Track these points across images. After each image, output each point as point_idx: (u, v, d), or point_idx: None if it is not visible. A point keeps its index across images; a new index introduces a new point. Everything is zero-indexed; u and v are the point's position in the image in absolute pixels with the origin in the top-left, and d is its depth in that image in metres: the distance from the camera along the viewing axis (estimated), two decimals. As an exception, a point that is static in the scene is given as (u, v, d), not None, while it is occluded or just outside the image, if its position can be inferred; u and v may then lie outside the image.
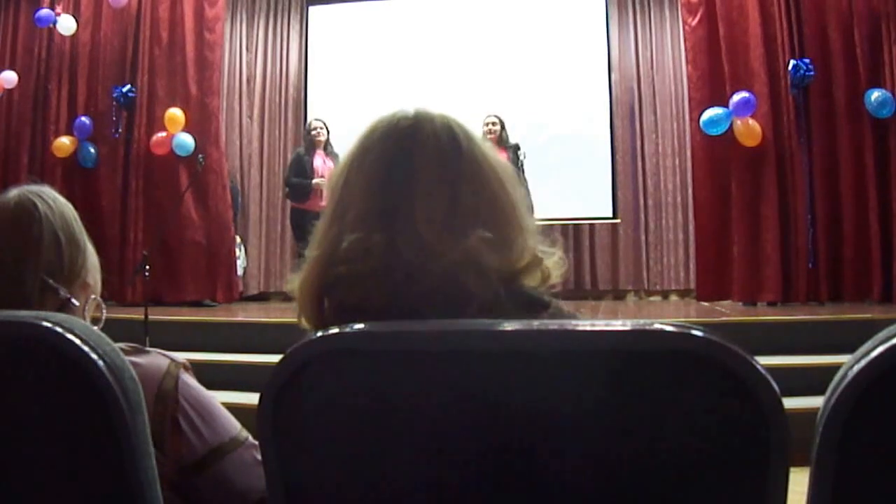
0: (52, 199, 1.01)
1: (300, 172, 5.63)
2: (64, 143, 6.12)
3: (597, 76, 6.92)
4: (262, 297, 7.25)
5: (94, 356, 0.72)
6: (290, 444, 0.67)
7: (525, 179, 5.45)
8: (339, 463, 0.67)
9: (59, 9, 6.24)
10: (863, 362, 0.57)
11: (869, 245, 5.18)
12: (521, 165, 5.37)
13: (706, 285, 5.65)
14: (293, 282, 0.87)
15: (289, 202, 6.06)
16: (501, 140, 5.63)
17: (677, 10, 6.47)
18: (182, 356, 0.99)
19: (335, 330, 0.65)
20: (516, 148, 5.56)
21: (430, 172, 0.83)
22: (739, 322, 4.52)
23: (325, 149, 5.72)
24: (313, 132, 5.74)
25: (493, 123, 5.66)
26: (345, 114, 6.71)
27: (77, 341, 0.72)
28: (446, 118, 0.90)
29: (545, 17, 7.05)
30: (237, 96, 7.52)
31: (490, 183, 0.84)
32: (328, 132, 5.77)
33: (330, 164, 5.70)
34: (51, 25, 6.20)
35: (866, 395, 0.57)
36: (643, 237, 7.08)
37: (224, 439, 0.96)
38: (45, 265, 0.97)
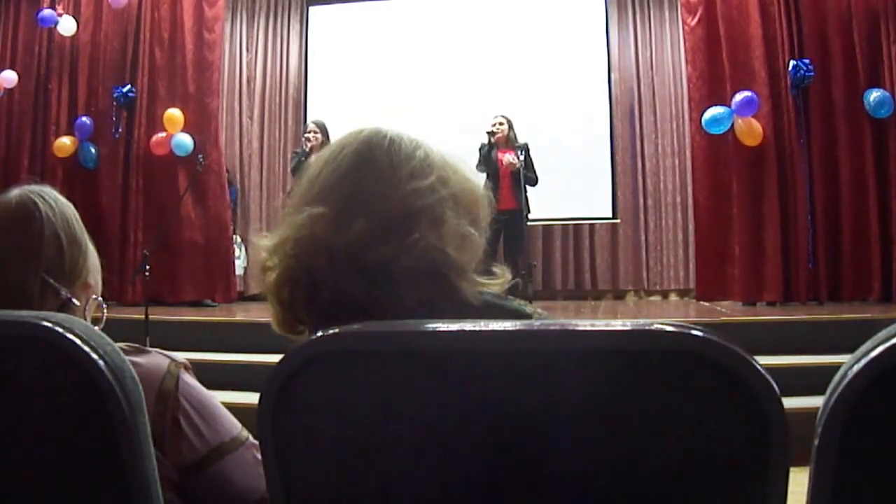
0: (53, 200, 1.01)
1: (298, 169, 5.66)
2: (65, 143, 6.13)
3: (596, 76, 6.92)
4: (262, 297, 7.22)
5: (94, 356, 0.72)
6: (290, 444, 0.67)
7: (529, 176, 5.47)
8: (339, 463, 0.67)
9: (59, 9, 6.24)
10: (862, 362, 0.57)
11: (868, 245, 5.19)
12: (520, 164, 5.37)
13: (706, 285, 5.66)
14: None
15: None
16: (509, 140, 5.64)
17: (677, 10, 6.47)
18: (182, 356, 0.99)
19: (335, 330, 0.65)
20: (525, 148, 5.57)
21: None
22: (739, 322, 4.52)
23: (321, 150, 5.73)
24: (304, 137, 5.76)
25: (501, 124, 5.67)
26: (345, 114, 6.72)
27: (78, 341, 0.72)
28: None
29: (545, 17, 7.05)
30: (237, 96, 7.52)
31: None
32: (326, 135, 5.75)
33: None
34: (52, 26, 6.21)
35: (866, 394, 0.57)
36: (643, 237, 7.08)
37: (224, 439, 0.96)
38: (45, 265, 0.97)
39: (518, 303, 0.90)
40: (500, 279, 0.90)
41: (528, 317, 0.88)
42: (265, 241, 0.89)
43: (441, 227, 0.84)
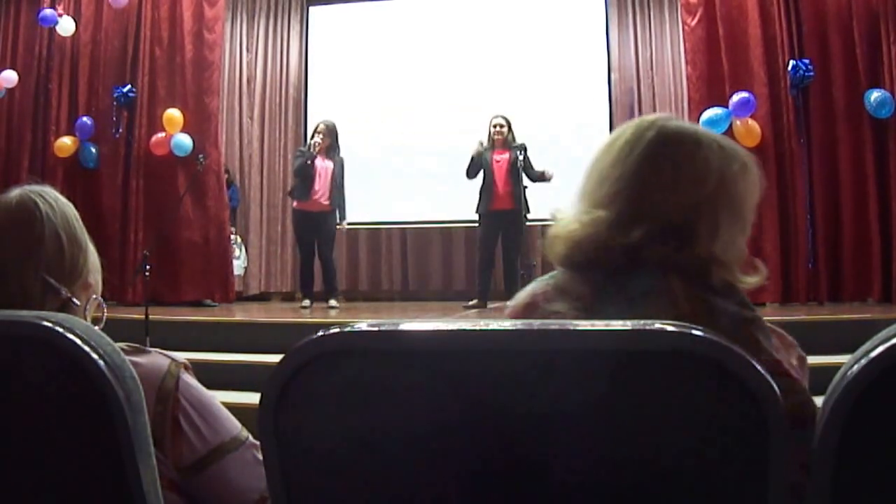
0: (54, 199, 1.01)
1: (303, 170, 5.65)
2: (65, 143, 6.12)
3: (596, 76, 6.92)
4: (262, 297, 7.25)
5: (94, 356, 0.72)
6: (291, 444, 0.67)
7: (523, 177, 5.45)
8: (339, 462, 0.67)
9: (59, 9, 6.24)
10: (863, 362, 0.57)
11: (869, 245, 5.18)
12: (520, 165, 5.36)
13: (705, 285, 5.64)
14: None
15: (290, 205, 6.03)
16: (507, 141, 5.65)
17: (677, 10, 6.47)
18: (182, 356, 0.99)
19: (335, 330, 0.65)
20: (522, 148, 5.57)
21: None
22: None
23: (328, 154, 5.72)
24: (314, 141, 5.71)
25: (501, 125, 5.67)
26: (345, 114, 6.72)
27: (78, 341, 0.72)
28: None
29: (545, 17, 7.04)
30: (237, 96, 7.52)
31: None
32: (334, 137, 5.74)
33: (329, 164, 5.69)
34: (52, 26, 6.21)
35: (866, 394, 0.57)
36: (643, 237, 7.07)
37: (225, 439, 0.96)
38: (46, 265, 0.97)
39: (751, 308, 0.95)
40: (759, 275, 0.99)
41: (742, 322, 0.91)
42: (556, 226, 1.02)
43: (715, 232, 0.93)
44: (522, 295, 1.06)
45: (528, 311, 1.03)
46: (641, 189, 0.95)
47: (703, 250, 0.92)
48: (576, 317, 0.93)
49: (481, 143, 5.57)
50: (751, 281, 0.97)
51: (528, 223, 5.67)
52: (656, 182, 0.95)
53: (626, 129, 1.02)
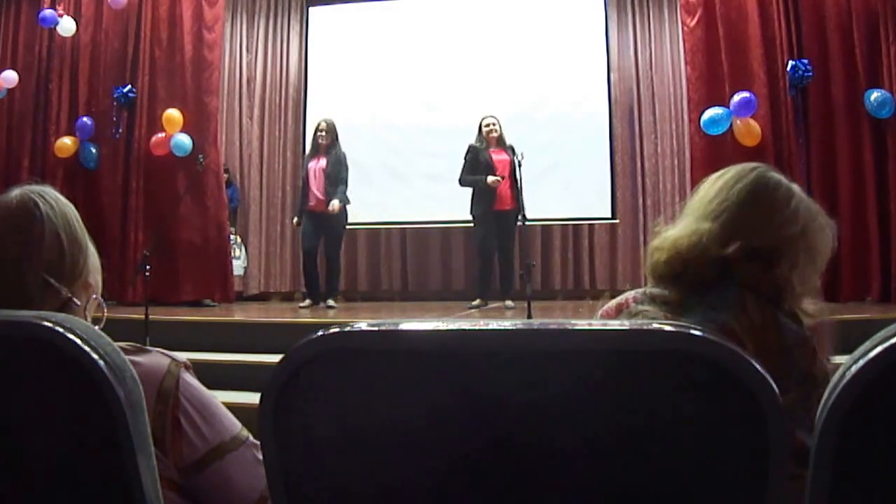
0: (54, 200, 1.01)
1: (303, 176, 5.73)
2: (66, 143, 6.12)
3: (596, 77, 6.92)
4: (261, 297, 7.25)
5: (94, 356, 0.72)
6: (291, 443, 0.67)
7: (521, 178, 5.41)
8: (339, 462, 0.68)
9: (60, 9, 6.23)
10: (861, 362, 0.57)
11: (867, 245, 5.18)
12: (519, 165, 5.34)
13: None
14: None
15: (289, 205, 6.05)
16: (501, 140, 5.66)
17: (676, 11, 6.47)
18: (182, 356, 0.99)
19: (335, 329, 0.65)
20: (512, 149, 5.59)
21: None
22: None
23: (326, 151, 5.71)
24: (317, 134, 5.74)
25: (494, 124, 5.68)
26: (345, 114, 6.71)
27: (78, 341, 0.72)
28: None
29: (544, 17, 7.04)
30: (237, 96, 7.51)
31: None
32: (335, 135, 5.76)
33: (322, 161, 5.69)
34: (53, 26, 6.21)
35: (865, 394, 0.57)
36: (642, 237, 7.07)
37: (225, 438, 0.96)
38: (46, 265, 0.97)
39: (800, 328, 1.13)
40: (819, 313, 1.19)
41: (804, 339, 1.10)
42: (662, 235, 1.19)
43: (794, 266, 1.14)
44: (615, 299, 1.26)
45: (618, 311, 1.22)
46: (742, 214, 1.16)
47: (782, 275, 1.12)
48: (663, 318, 1.11)
49: (497, 180, 5.52)
50: (811, 313, 1.16)
51: (519, 223, 5.66)
52: (755, 212, 1.16)
53: (731, 168, 1.25)
